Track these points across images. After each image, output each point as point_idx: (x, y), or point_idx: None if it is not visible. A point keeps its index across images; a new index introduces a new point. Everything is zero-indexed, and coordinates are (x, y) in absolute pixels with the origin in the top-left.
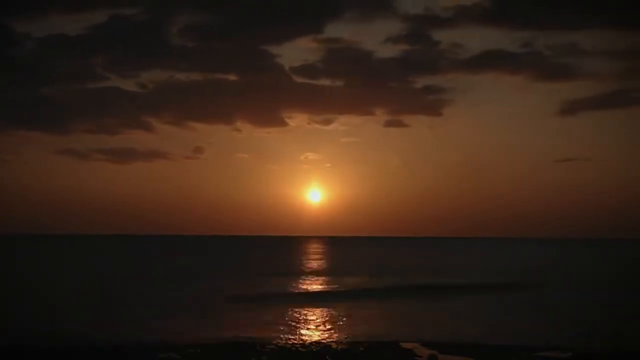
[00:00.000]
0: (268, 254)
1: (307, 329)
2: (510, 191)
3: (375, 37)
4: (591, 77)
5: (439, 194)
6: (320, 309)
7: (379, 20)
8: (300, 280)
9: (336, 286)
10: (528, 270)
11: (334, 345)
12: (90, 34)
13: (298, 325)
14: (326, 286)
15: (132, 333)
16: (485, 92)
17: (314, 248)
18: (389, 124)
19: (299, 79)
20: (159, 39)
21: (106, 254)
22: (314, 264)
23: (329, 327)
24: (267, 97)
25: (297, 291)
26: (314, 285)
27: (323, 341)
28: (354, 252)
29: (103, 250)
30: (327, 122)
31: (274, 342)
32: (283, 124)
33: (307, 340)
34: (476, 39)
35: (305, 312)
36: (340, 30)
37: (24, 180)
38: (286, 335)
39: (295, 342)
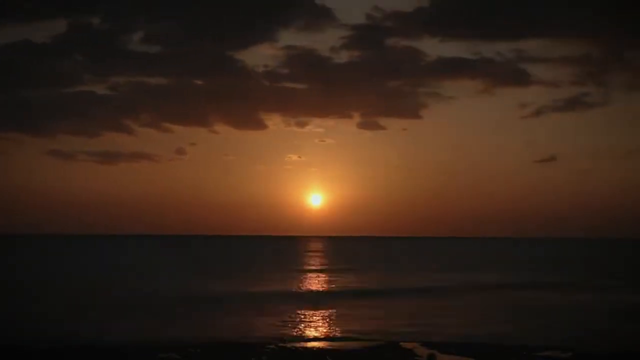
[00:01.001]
0: (260, 252)
1: (307, 328)
2: (488, 190)
3: (327, 44)
4: (545, 83)
5: (423, 194)
6: (321, 308)
7: (328, 29)
8: (303, 278)
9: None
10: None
11: (334, 345)
12: (55, 41)
13: (298, 325)
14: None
15: (132, 333)
16: (452, 97)
17: (309, 247)
18: (363, 126)
19: (268, 83)
20: (123, 46)
21: (94, 253)
22: (317, 262)
23: (329, 326)
24: (242, 99)
25: (295, 290)
26: (315, 284)
27: (323, 341)
28: (377, 249)
29: (92, 250)
30: (302, 124)
31: (274, 342)
32: (262, 126)
33: (307, 340)
34: (428, 46)
35: (305, 311)
36: (293, 38)
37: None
38: (286, 335)
39: (295, 342)
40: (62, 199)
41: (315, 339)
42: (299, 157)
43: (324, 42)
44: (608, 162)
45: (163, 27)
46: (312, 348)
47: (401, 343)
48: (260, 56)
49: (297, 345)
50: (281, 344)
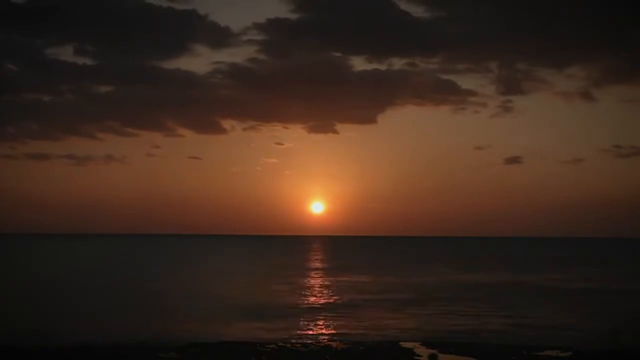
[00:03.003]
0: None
1: (307, 328)
2: (445, 190)
3: (241, 56)
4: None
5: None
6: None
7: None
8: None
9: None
10: None
11: (334, 345)
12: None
13: (298, 325)
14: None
15: (132, 333)
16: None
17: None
18: (313, 130)
19: (215, 90)
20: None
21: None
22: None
23: (330, 326)
24: (196, 105)
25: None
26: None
27: (323, 341)
28: (405, 249)
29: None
30: (256, 129)
31: (274, 342)
32: (222, 130)
33: (307, 340)
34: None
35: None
36: (208, 52)
37: None
38: (286, 335)
39: (295, 342)
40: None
41: (315, 339)
42: (272, 159)
43: (234, 55)
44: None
45: (97, 39)
46: (311, 348)
47: (401, 343)
48: (193, 65)
49: (297, 345)
50: (281, 344)
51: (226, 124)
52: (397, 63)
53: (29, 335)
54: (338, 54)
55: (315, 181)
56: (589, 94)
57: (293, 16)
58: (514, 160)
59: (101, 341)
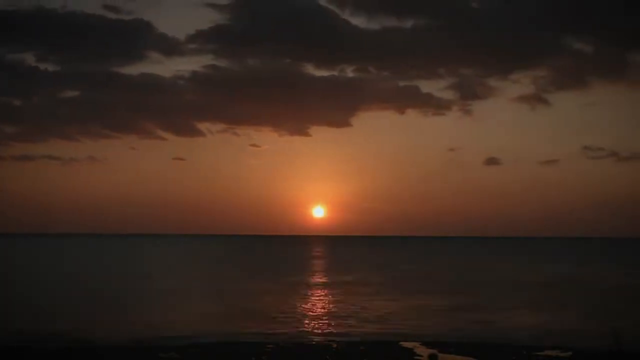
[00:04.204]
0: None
1: (308, 328)
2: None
3: (198, 63)
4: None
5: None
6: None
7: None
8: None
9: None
10: None
11: (334, 345)
12: None
13: (298, 325)
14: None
15: (132, 333)
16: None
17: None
18: (288, 133)
19: (182, 95)
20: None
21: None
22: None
23: (330, 326)
24: (170, 109)
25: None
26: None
27: (323, 341)
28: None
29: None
30: (230, 132)
31: (274, 342)
32: (200, 132)
33: (307, 340)
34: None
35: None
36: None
37: None
38: (286, 335)
39: (295, 342)
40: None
41: (315, 338)
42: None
43: (196, 62)
44: None
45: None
46: (312, 348)
47: (401, 343)
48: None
49: (297, 345)
50: (281, 344)
51: (202, 126)
52: (348, 69)
53: (29, 335)
54: (288, 60)
55: (291, 182)
56: (545, 99)
57: (235, 24)
58: (492, 161)
59: (101, 341)
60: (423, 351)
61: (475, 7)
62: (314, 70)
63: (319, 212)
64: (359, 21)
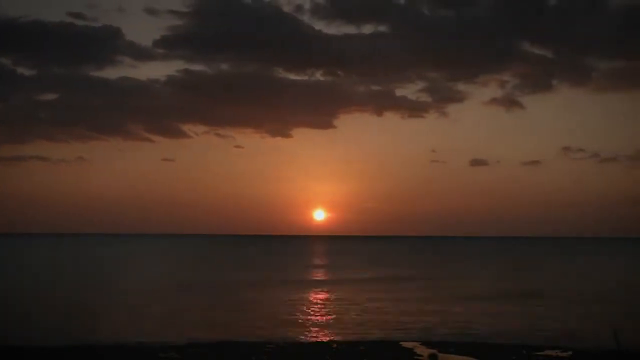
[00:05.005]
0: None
1: (308, 328)
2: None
3: (171, 68)
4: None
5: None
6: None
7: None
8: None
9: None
10: None
11: (334, 345)
12: None
13: (298, 325)
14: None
15: (132, 333)
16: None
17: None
18: (269, 134)
19: (162, 98)
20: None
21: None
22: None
23: (330, 326)
24: (154, 111)
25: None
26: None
27: (323, 341)
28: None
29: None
30: (212, 134)
31: (274, 342)
32: (185, 134)
33: (307, 340)
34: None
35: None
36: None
37: None
38: (286, 335)
39: (296, 342)
40: None
41: (315, 338)
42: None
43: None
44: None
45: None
46: (312, 348)
47: (401, 342)
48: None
49: (297, 345)
50: (281, 344)
51: (186, 128)
52: (317, 73)
53: (29, 335)
54: (257, 65)
55: (278, 183)
56: (518, 102)
57: (199, 31)
58: (478, 162)
59: (101, 341)
60: (423, 351)
61: (427, 14)
62: (285, 74)
63: (318, 214)
64: (319, 27)
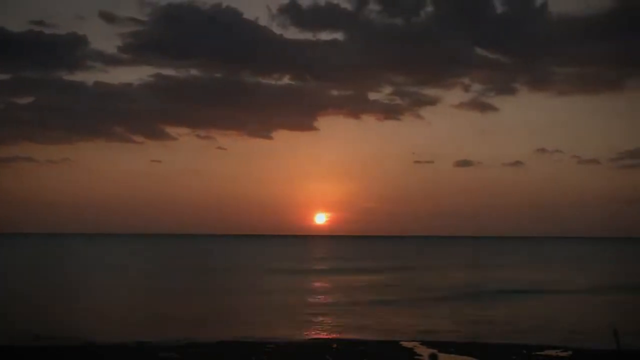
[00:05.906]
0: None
1: (308, 328)
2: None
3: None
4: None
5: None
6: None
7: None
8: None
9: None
10: None
11: (334, 345)
12: None
13: (298, 325)
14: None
15: (132, 333)
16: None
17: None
18: (251, 136)
19: (139, 102)
20: None
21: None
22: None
23: (330, 326)
24: (133, 114)
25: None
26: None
27: (323, 341)
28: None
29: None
30: (193, 135)
31: (274, 342)
32: (170, 136)
33: (307, 340)
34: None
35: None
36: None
37: None
38: (286, 335)
39: (296, 342)
40: None
41: (316, 338)
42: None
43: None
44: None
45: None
46: (312, 348)
47: (402, 342)
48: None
49: (297, 345)
50: (281, 344)
51: (170, 130)
52: (285, 77)
53: (29, 335)
54: (224, 71)
55: (262, 183)
56: (490, 104)
57: (159, 38)
58: (464, 163)
59: (101, 341)
60: (423, 351)
61: (377, 22)
62: (254, 78)
63: (316, 215)
64: (280, 32)
